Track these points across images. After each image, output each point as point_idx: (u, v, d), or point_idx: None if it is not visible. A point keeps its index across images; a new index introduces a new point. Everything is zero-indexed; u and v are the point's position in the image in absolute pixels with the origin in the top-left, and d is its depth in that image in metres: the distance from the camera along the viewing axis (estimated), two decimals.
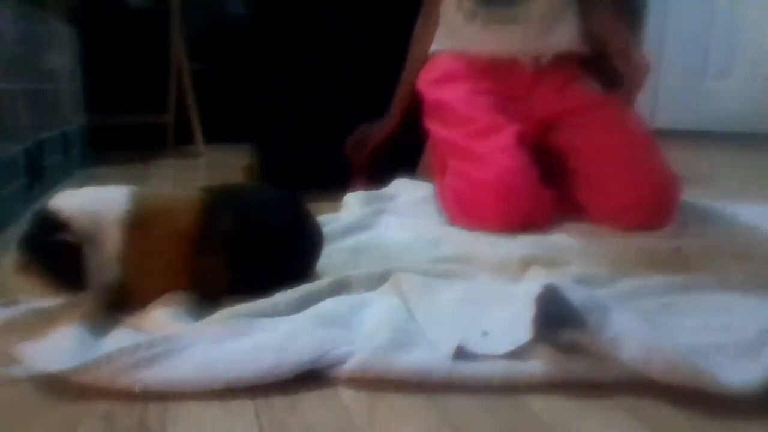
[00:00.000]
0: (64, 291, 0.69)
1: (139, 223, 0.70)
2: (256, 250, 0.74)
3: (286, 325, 0.64)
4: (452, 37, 1.27)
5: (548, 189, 1.17)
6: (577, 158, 1.17)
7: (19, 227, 1.23)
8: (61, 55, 1.98)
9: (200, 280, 0.72)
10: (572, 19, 1.23)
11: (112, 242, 0.68)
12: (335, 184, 1.36)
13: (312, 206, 0.84)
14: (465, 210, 1.13)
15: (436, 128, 1.26)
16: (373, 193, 1.33)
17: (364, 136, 1.48)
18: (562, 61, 1.22)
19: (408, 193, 1.36)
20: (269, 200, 0.80)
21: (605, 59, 1.21)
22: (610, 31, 1.21)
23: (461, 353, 0.59)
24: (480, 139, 1.15)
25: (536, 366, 0.58)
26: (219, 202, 0.75)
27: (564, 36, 1.22)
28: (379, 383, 0.56)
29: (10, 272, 0.68)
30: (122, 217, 0.69)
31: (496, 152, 1.11)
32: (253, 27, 1.67)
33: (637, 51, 1.22)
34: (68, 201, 0.70)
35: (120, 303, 0.71)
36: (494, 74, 1.23)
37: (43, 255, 0.67)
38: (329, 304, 0.69)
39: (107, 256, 0.68)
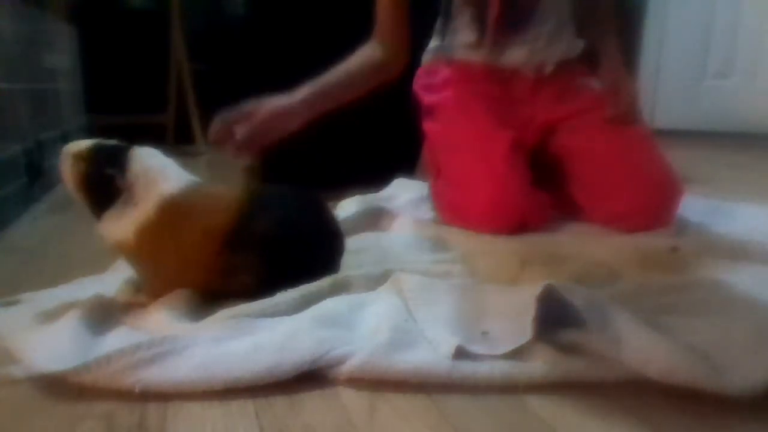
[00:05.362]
0: (82, 203, 0.74)
1: (171, 211, 0.71)
2: (289, 252, 0.76)
3: (286, 325, 0.64)
4: (454, 49, 1.25)
5: (544, 192, 1.17)
6: (577, 161, 1.17)
7: (21, 226, 1.24)
8: (61, 55, 1.98)
9: (229, 278, 0.73)
10: (573, 28, 1.23)
11: (141, 212, 0.70)
12: (335, 185, 1.36)
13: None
14: (458, 215, 1.13)
15: (431, 131, 1.26)
16: (374, 194, 1.33)
17: (255, 122, 1.03)
18: (564, 65, 1.22)
19: (407, 193, 1.37)
20: (300, 202, 0.81)
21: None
22: (606, 64, 1.20)
23: (461, 353, 0.59)
24: (472, 146, 1.14)
25: (536, 366, 0.58)
26: (255, 203, 0.77)
27: (566, 44, 1.22)
28: (379, 383, 0.56)
29: (67, 150, 0.73)
30: (162, 198, 0.71)
31: (487, 160, 1.11)
32: (253, 27, 1.67)
33: (626, 82, 1.20)
34: (148, 156, 0.74)
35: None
36: (495, 80, 1.22)
37: (94, 166, 0.72)
38: (329, 304, 0.69)
39: (129, 221, 0.71)
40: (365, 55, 1.22)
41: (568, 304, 0.62)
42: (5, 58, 1.34)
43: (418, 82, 1.30)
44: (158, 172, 0.73)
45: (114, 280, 0.82)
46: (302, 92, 1.12)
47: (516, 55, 1.20)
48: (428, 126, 1.26)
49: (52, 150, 1.63)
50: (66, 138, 1.85)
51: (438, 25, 1.27)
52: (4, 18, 1.35)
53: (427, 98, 1.27)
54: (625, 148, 1.13)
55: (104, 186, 0.71)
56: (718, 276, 0.81)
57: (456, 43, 1.23)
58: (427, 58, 1.31)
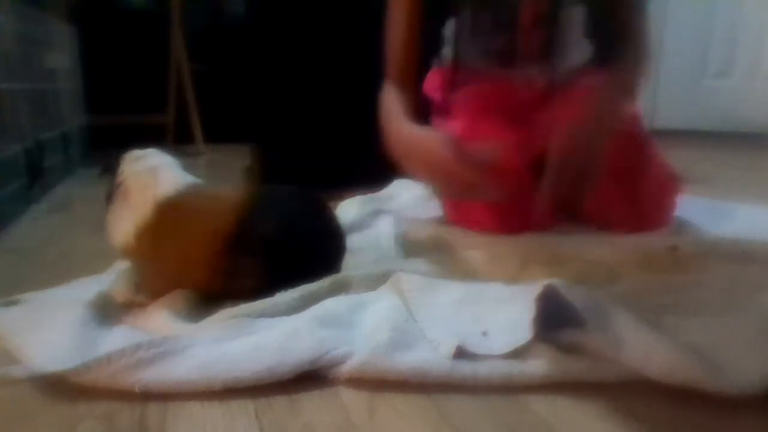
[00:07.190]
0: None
1: (167, 213, 0.71)
2: (290, 253, 0.76)
3: (286, 325, 0.64)
4: (464, 55, 1.24)
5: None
6: None
7: (21, 226, 1.24)
8: (61, 55, 1.98)
9: (231, 279, 0.73)
10: (585, 41, 1.23)
11: (138, 214, 0.71)
12: (335, 185, 1.36)
13: None
14: (462, 216, 1.13)
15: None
16: (373, 194, 1.33)
17: None
18: (575, 71, 1.22)
19: (408, 193, 1.37)
20: (301, 202, 0.82)
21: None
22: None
23: (461, 353, 0.59)
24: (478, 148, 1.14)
25: (536, 366, 0.58)
26: (256, 204, 0.77)
27: (580, 53, 1.22)
28: (379, 383, 0.56)
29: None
30: (157, 200, 0.71)
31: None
32: (253, 27, 1.67)
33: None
34: (143, 157, 0.75)
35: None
36: (504, 86, 1.22)
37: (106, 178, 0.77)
38: (329, 304, 0.69)
39: (129, 221, 0.71)
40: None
41: (568, 304, 0.62)
42: (5, 58, 1.35)
43: (428, 85, 1.30)
44: (152, 175, 0.73)
45: (114, 280, 0.82)
46: None
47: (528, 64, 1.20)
48: (436, 125, 1.26)
49: (52, 150, 1.63)
50: (66, 138, 1.85)
51: (448, 30, 1.27)
52: (4, 18, 1.35)
53: (436, 99, 1.27)
54: (622, 149, 1.13)
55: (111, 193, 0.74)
56: (718, 276, 0.81)
57: (465, 49, 1.23)
58: (437, 62, 1.31)
